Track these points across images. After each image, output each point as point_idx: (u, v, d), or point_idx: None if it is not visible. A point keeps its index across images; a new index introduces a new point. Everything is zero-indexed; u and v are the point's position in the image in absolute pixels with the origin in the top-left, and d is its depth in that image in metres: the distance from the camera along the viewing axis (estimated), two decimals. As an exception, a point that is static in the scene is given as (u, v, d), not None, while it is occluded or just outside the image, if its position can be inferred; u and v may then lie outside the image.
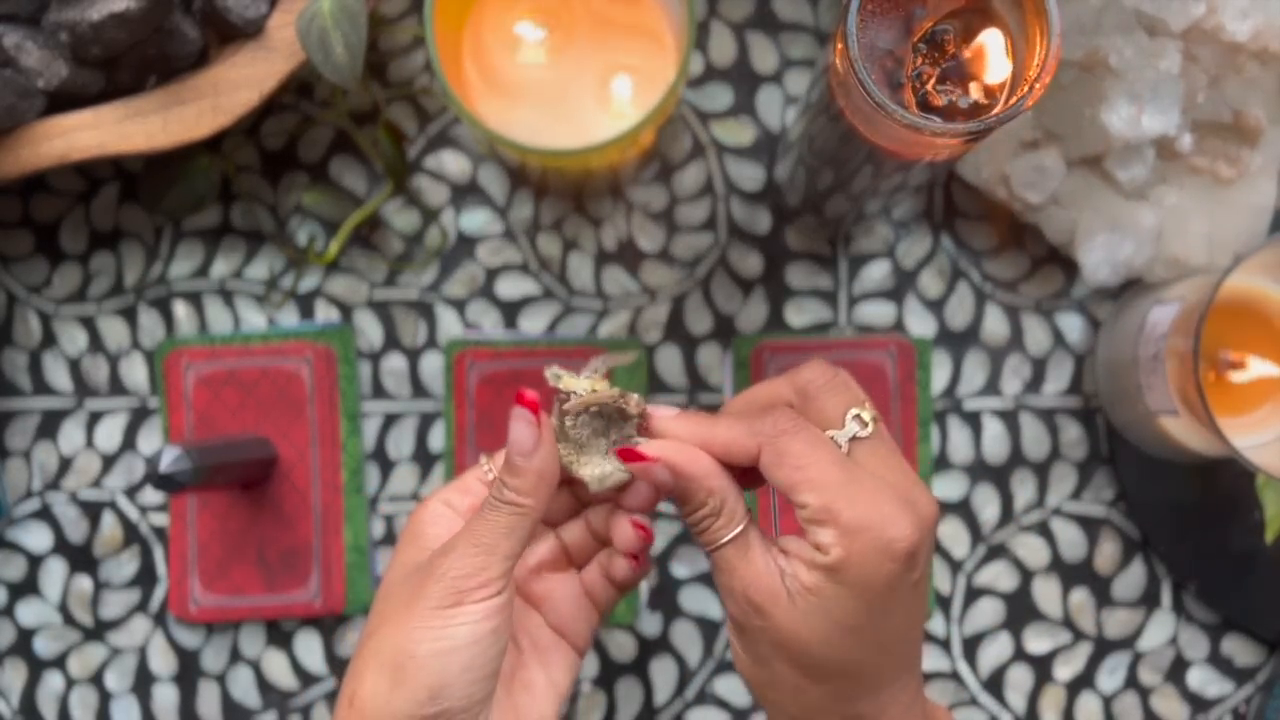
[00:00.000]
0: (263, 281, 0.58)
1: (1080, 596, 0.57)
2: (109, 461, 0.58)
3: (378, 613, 0.36)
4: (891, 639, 0.35)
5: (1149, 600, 0.57)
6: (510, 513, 0.35)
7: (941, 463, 0.57)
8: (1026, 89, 0.35)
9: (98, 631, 0.57)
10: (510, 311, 0.58)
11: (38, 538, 0.58)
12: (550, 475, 0.35)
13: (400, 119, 0.58)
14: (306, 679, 0.57)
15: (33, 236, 0.58)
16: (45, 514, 0.58)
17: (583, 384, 0.37)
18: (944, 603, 0.57)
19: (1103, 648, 0.57)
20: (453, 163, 0.58)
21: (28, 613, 0.57)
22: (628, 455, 0.36)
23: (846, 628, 0.34)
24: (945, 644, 0.57)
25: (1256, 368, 0.51)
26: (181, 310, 0.58)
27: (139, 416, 0.58)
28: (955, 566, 0.57)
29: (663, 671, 0.57)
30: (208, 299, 0.58)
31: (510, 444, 0.35)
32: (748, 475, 0.37)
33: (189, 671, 0.57)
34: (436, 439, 0.57)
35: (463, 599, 0.34)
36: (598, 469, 0.37)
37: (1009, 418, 0.57)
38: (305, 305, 0.58)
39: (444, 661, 0.33)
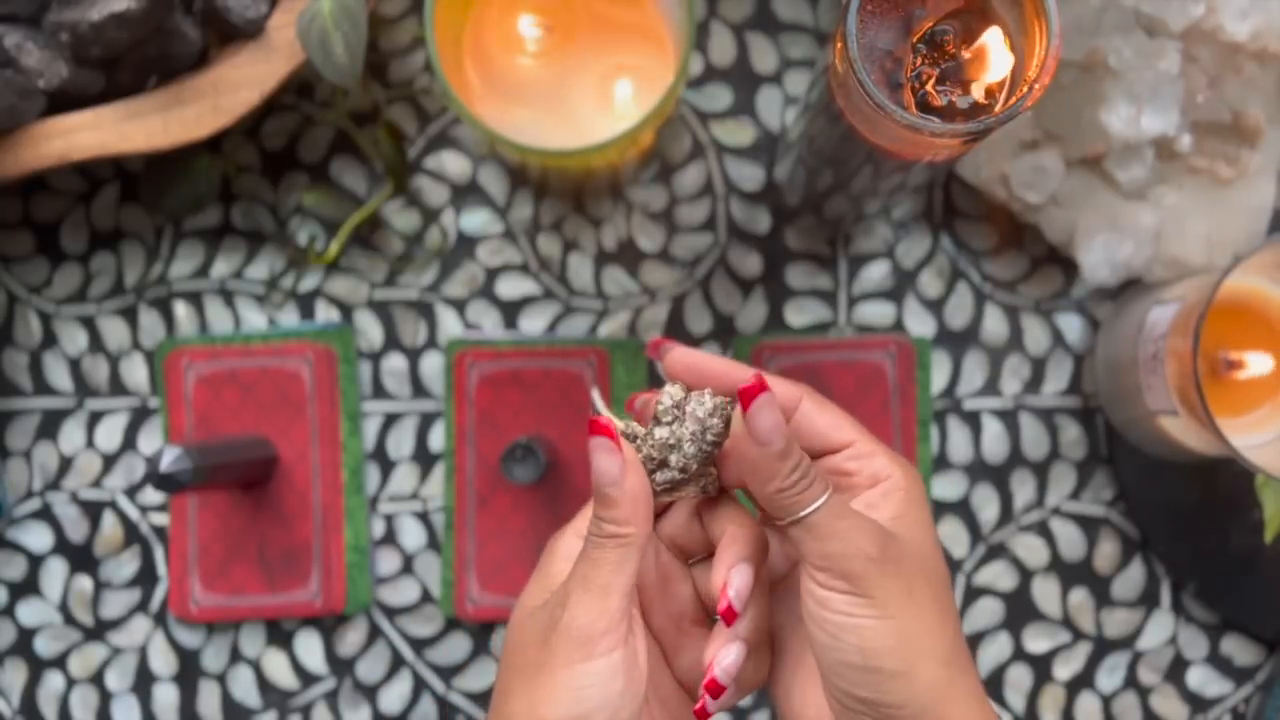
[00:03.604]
0: (263, 281, 0.58)
1: (1079, 596, 0.57)
2: (109, 461, 0.58)
3: (507, 663, 0.35)
4: None
5: (1148, 600, 0.57)
6: (615, 546, 0.33)
7: (941, 463, 0.57)
8: (1026, 89, 0.35)
9: (98, 631, 0.57)
10: (510, 311, 0.58)
11: (38, 538, 0.58)
12: (645, 497, 0.34)
13: (400, 119, 0.58)
14: (307, 679, 0.57)
15: (33, 236, 0.58)
16: (46, 514, 0.58)
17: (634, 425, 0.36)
18: (944, 602, 0.57)
19: (1102, 647, 0.57)
20: (453, 163, 0.58)
21: (28, 612, 0.57)
22: (752, 390, 0.33)
23: (936, 542, 0.35)
24: (945, 644, 0.57)
25: (1255, 366, 0.51)
26: (182, 310, 0.58)
27: (139, 416, 0.58)
28: (955, 566, 0.57)
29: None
30: (208, 299, 0.58)
31: (597, 476, 0.34)
32: None
33: (189, 671, 0.57)
34: (437, 439, 0.57)
35: (592, 650, 0.33)
36: (682, 489, 0.36)
37: (1008, 418, 0.58)
38: (305, 305, 0.58)
39: None
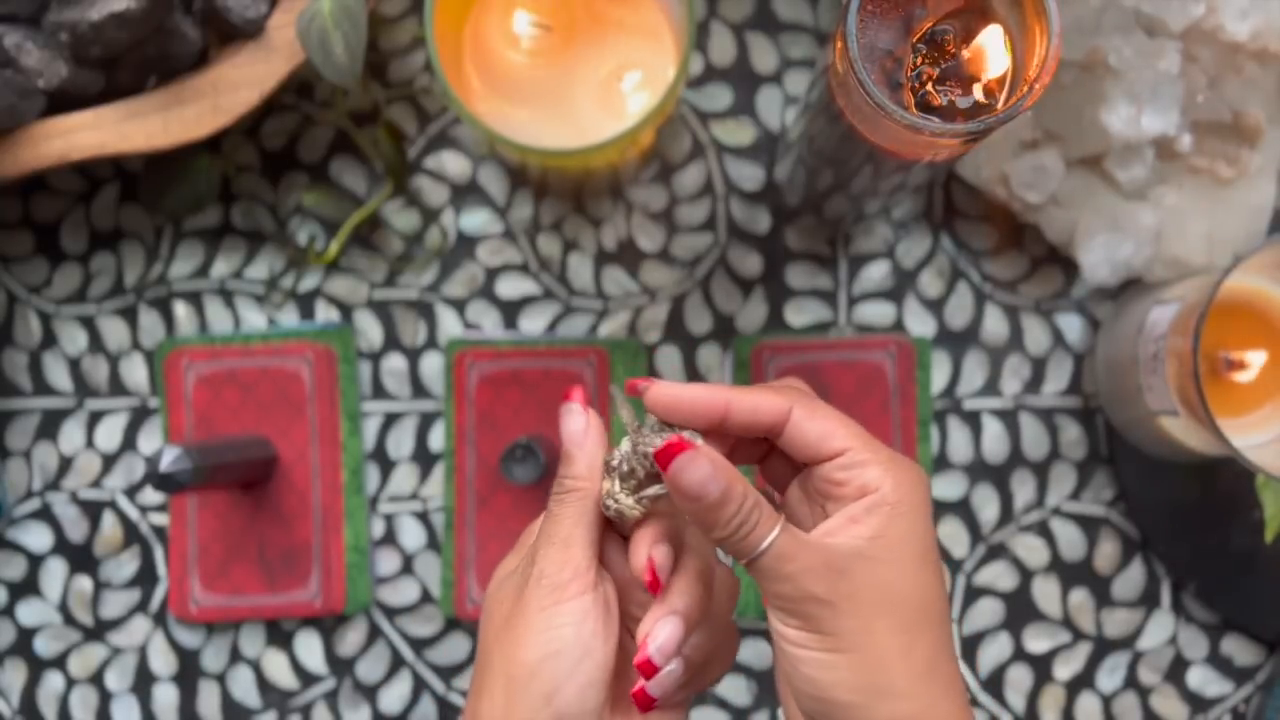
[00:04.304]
0: (263, 281, 0.58)
1: (1080, 596, 0.57)
2: (109, 461, 0.58)
3: (483, 628, 0.37)
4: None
5: (1148, 600, 0.57)
6: (575, 500, 0.36)
7: (941, 463, 0.57)
8: (1026, 89, 0.35)
9: (98, 631, 0.57)
10: (510, 311, 0.58)
11: (38, 538, 0.58)
12: (600, 460, 0.37)
13: (400, 119, 0.58)
14: (306, 679, 0.57)
15: (33, 236, 0.58)
16: (45, 514, 0.58)
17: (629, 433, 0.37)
18: (944, 602, 0.57)
19: (1102, 647, 0.57)
20: (453, 163, 0.58)
21: (28, 613, 0.57)
22: (669, 450, 0.33)
23: (922, 558, 0.34)
24: (945, 644, 0.57)
25: (1255, 366, 0.51)
26: (181, 310, 0.58)
27: (139, 416, 0.58)
28: (955, 566, 0.57)
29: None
30: (208, 299, 0.58)
31: (565, 437, 0.37)
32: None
33: (189, 671, 0.57)
34: (436, 439, 0.57)
35: (561, 596, 0.34)
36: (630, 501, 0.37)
37: (1008, 418, 0.58)
38: (305, 305, 0.58)
39: (554, 665, 0.33)
